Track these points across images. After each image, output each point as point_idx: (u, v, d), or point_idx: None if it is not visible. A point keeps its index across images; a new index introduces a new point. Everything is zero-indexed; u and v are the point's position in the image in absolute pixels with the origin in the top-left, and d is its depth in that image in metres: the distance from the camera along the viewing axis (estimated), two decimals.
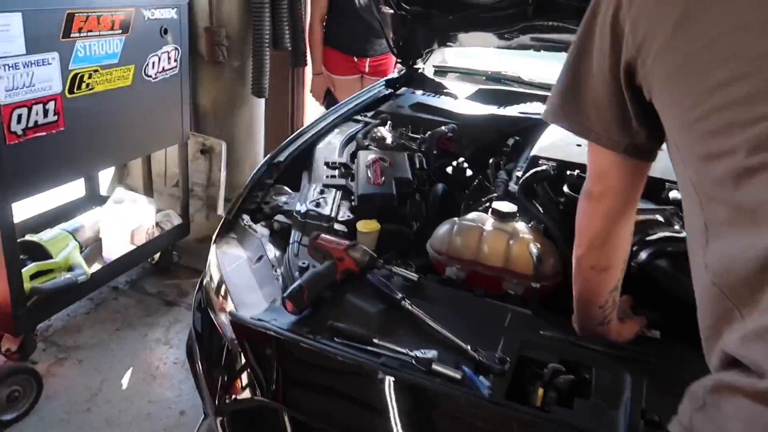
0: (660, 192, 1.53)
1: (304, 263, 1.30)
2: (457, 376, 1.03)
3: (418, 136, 1.95)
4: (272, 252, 1.44)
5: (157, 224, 2.69)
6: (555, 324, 1.22)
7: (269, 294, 1.33)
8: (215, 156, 2.82)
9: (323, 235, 1.32)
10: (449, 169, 1.85)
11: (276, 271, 1.37)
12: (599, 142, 0.91)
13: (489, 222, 1.42)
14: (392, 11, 2.14)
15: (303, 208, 1.49)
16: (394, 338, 1.12)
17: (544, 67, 2.55)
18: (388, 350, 1.08)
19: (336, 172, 1.70)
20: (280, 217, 1.52)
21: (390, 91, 2.42)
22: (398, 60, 2.48)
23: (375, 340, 1.10)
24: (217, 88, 2.92)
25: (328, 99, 3.28)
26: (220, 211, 2.88)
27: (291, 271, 1.32)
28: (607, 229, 1.00)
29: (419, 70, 2.54)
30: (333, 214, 1.49)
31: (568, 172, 1.57)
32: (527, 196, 1.52)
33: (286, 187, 1.67)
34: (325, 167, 1.73)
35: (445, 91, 2.38)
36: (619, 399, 1.03)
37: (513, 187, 1.65)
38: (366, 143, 1.91)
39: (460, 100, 2.29)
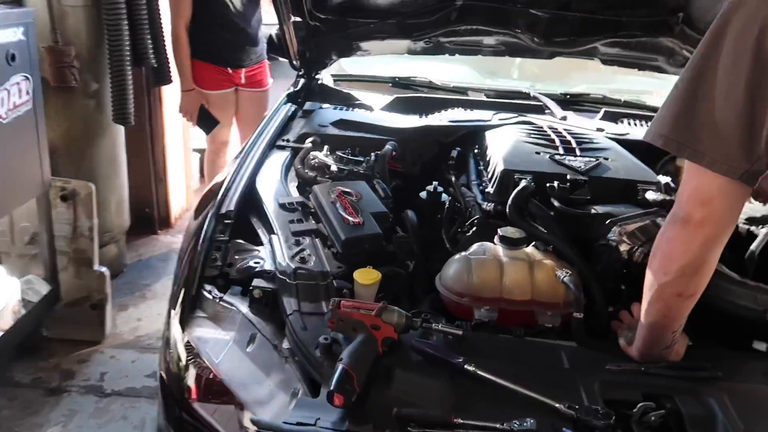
0: (634, 194, 1.56)
1: (326, 338, 1.08)
2: None
3: (361, 159, 1.78)
4: (264, 327, 1.18)
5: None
6: (608, 352, 1.18)
7: (283, 382, 1.09)
8: (81, 201, 2.33)
9: (344, 302, 1.11)
10: (423, 194, 1.71)
11: (281, 351, 1.13)
12: (712, 167, 0.86)
13: (500, 251, 1.32)
14: (301, 21, 1.92)
15: (289, 267, 1.25)
16: (474, 412, 0.97)
17: (446, 70, 2.52)
18: (476, 429, 0.94)
19: (296, 215, 1.47)
20: (259, 282, 1.25)
21: (295, 107, 2.19)
22: (300, 72, 2.26)
23: (458, 420, 0.95)
24: (69, 119, 2.42)
25: (202, 117, 2.90)
26: (96, 265, 2.40)
27: (305, 349, 1.09)
28: (704, 256, 0.96)
29: (319, 81, 2.34)
30: (327, 269, 1.27)
31: (548, 185, 1.54)
32: (521, 216, 1.46)
33: (245, 242, 1.40)
34: (281, 210, 1.49)
35: (357, 102, 2.23)
36: (714, 425, 1.00)
37: (488, 205, 1.57)
38: (309, 173, 1.69)
39: (380, 112, 2.16)
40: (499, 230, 1.36)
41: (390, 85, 2.41)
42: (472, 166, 1.87)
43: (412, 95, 2.23)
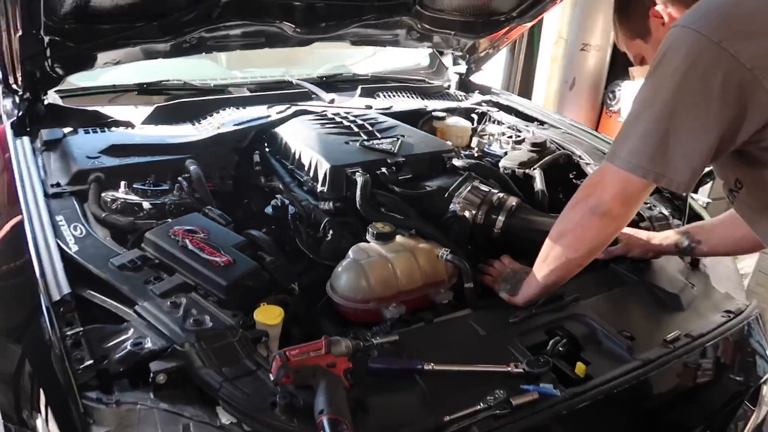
0: (443, 164, 1.77)
1: (284, 396, 1.00)
2: (534, 396, 1.08)
3: (166, 187, 1.57)
4: (191, 412, 1.03)
5: None
6: (498, 307, 1.37)
7: None
8: None
9: (290, 351, 1.04)
10: (269, 210, 1.59)
11: (226, 429, 1.01)
12: (670, 186, 1.10)
13: (380, 248, 1.38)
14: (32, 35, 1.55)
15: (188, 335, 1.09)
16: (452, 404, 1.05)
17: (185, 68, 2.33)
18: (465, 419, 1.02)
19: (146, 273, 1.26)
20: (159, 365, 1.05)
21: (26, 138, 1.77)
22: (23, 95, 1.80)
23: (447, 418, 1.02)
24: None
25: None
26: None
27: (263, 418, 1.00)
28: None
29: (45, 101, 1.92)
30: (230, 322, 1.14)
31: (378, 172, 1.63)
32: (375, 209, 1.52)
33: (104, 326, 1.14)
34: (124, 272, 1.25)
35: (111, 120, 1.91)
36: (596, 334, 1.29)
37: (327, 205, 1.59)
38: (120, 219, 1.44)
39: (148, 128, 1.90)
40: (369, 228, 1.40)
41: (136, 93, 2.12)
42: (279, 167, 1.83)
43: (174, 102, 2.01)
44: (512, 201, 1.59)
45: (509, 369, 1.13)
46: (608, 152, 1.17)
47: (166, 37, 1.78)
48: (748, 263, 3.07)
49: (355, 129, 1.86)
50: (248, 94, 2.19)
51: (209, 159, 1.75)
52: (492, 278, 1.45)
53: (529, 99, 3.95)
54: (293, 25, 2.00)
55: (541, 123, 2.45)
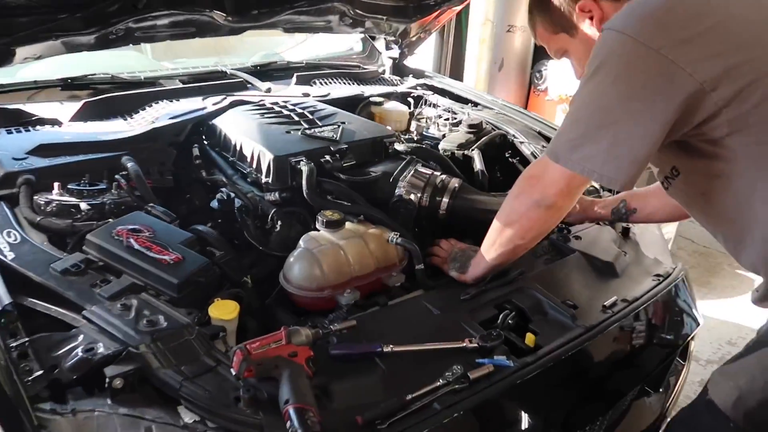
0: (385, 149, 1.79)
1: (247, 389, 1.01)
2: (490, 369, 1.13)
3: (103, 186, 1.52)
4: (153, 414, 1.01)
5: None
6: (449, 286, 1.41)
7: None
8: None
9: (250, 345, 1.04)
10: (215, 204, 1.55)
11: (190, 428, 1.00)
12: (605, 183, 1.14)
13: (330, 236, 1.39)
14: None
15: (142, 336, 1.07)
16: (412, 383, 1.09)
17: (110, 60, 2.23)
18: (426, 396, 1.06)
19: (92, 277, 1.21)
20: (114, 369, 1.03)
21: None
22: None
23: (409, 396, 1.05)
24: None
25: None
26: None
27: (227, 414, 1.00)
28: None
29: None
30: (185, 320, 1.13)
31: (322, 160, 1.63)
32: (323, 197, 1.53)
33: (51, 334, 1.10)
34: (68, 277, 1.20)
35: (35, 119, 1.81)
36: (542, 305, 1.36)
37: (273, 195, 1.59)
38: (57, 223, 1.38)
39: (78, 125, 1.81)
40: (318, 216, 1.41)
41: (60, 89, 2.01)
42: (220, 160, 1.80)
43: (104, 97, 1.93)
44: (455, 182, 1.63)
45: (464, 345, 1.17)
46: (550, 148, 1.20)
47: (91, 29, 1.69)
48: (669, 229, 3.29)
49: (295, 118, 1.85)
50: (181, 85, 2.13)
51: (146, 155, 1.70)
52: (441, 259, 1.49)
53: (461, 81, 4.04)
54: (224, 14, 1.95)
55: (475, 104, 2.52)
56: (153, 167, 1.69)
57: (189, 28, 1.99)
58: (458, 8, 2.45)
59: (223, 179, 1.65)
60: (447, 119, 2.28)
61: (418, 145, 1.80)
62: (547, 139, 2.19)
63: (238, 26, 2.06)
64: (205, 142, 1.89)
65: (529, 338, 1.24)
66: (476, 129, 2.08)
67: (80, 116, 1.87)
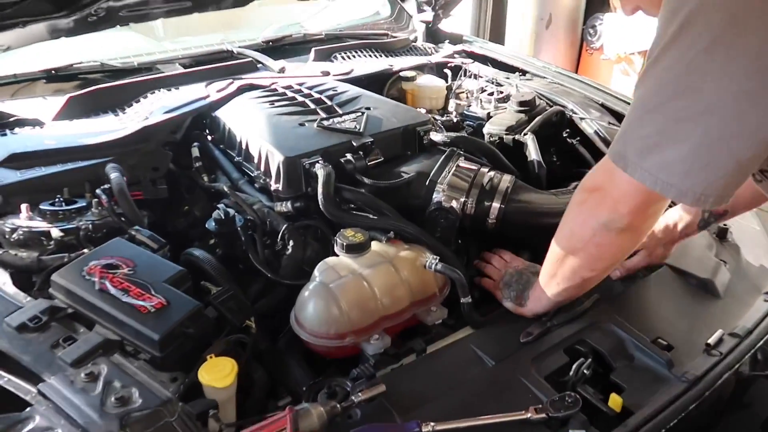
0: (418, 140, 1.49)
1: None
2: None
3: (83, 203, 1.28)
4: None
5: None
6: (502, 320, 1.13)
7: None
8: None
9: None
10: (212, 225, 1.30)
11: None
12: (683, 199, 0.82)
13: (351, 263, 1.11)
14: None
15: (108, 420, 0.83)
16: None
17: (101, 45, 1.97)
18: None
19: (54, 333, 0.98)
20: None
21: None
22: None
23: None
24: None
25: None
26: None
27: None
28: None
29: None
30: (165, 394, 0.88)
31: (342, 160, 1.34)
32: (341, 209, 1.25)
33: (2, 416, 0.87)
34: (25, 335, 0.97)
35: (13, 120, 1.58)
36: (624, 345, 1.06)
37: (284, 206, 1.32)
38: (23, 256, 1.15)
39: (60, 125, 1.57)
40: (336, 238, 1.13)
41: (44, 81, 1.77)
42: (224, 161, 1.53)
43: (90, 90, 1.68)
44: (506, 181, 1.33)
45: (528, 415, 0.90)
46: (614, 148, 0.88)
47: (63, 11, 1.44)
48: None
49: (311, 105, 1.56)
50: (181, 70, 1.85)
51: (136, 159, 1.45)
52: (492, 282, 1.21)
53: (502, 43, 3.65)
54: None
55: (523, 72, 2.18)
56: (144, 174, 1.44)
57: (184, 2, 1.71)
58: None
59: (226, 188, 1.37)
60: (491, 93, 1.95)
61: (460, 134, 1.48)
62: (613, 114, 1.84)
63: None
64: (208, 139, 1.63)
65: (615, 400, 0.95)
66: (528, 106, 1.75)
67: (65, 114, 1.62)
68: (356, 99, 1.63)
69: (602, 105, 1.90)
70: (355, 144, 1.39)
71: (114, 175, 1.31)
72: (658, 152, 0.81)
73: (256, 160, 1.42)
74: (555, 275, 1.04)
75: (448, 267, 1.10)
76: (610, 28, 3.80)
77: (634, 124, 0.85)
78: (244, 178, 1.47)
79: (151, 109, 1.63)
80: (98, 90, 1.69)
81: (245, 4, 1.81)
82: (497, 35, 3.91)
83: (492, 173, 1.35)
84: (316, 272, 1.11)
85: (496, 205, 1.28)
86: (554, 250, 1.03)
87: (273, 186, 1.35)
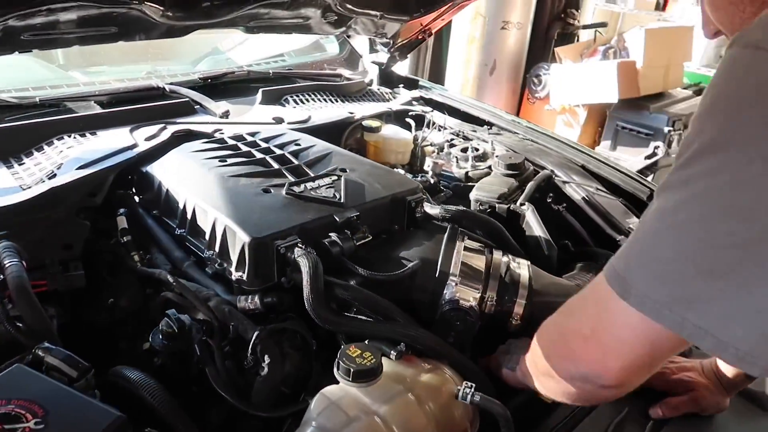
0: (409, 212, 1.24)
1: None
2: None
3: None
4: None
5: None
6: None
7: None
8: None
9: None
10: (158, 341, 0.94)
11: None
12: (723, 355, 0.59)
13: (361, 397, 0.83)
14: None
15: None
16: None
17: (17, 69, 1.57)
18: None
19: None
20: None
21: None
22: None
23: None
24: None
25: None
26: None
27: None
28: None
29: None
30: None
31: (326, 241, 1.06)
32: (336, 313, 0.96)
33: None
34: None
35: None
36: None
37: (251, 302, 1.01)
38: None
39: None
40: (339, 361, 0.84)
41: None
42: (161, 235, 1.20)
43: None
44: (525, 268, 1.11)
45: None
46: (613, 270, 0.65)
47: None
48: None
49: (274, 164, 1.28)
50: (99, 110, 1.50)
51: (41, 233, 1.09)
52: (493, 361, 1.01)
53: (442, 86, 3.52)
54: (161, 7, 1.35)
55: (490, 126, 2.01)
56: (52, 255, 1.08)
57: (108, 28, 1.38)
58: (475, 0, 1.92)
59: (170, 278, 1.04)
60: (465, 149, 1.75)
61: (460, 207, 1.25)
62: (598, 178, 1.70)
63: (182, 24, 1.47)
64: (138, 203, 1.29)
65: None
66: (518, 170, 1.56)
67: None
68: (327, 157, 1.36)
69: (583, 167, 1.76)
70: (338, 219, 1.12)
71: (10, 264, 0.95)
72: (669, 280, 0.60)
73: (207, 237, 1.11)
74: (534, 384, 0.86)
75: (488, 399, 0.85)
76: (556, 78, 3.82)
77: (642, 246, 0.64)
78: (189, 258, 1.15)
79: (59, 162, 1.27)
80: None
81: (183, 35, 1.49)
82: (437, 80, 3.79)
83: (507, 259, 1.13)
84: (313, 410, 0.82)
85: (521, 301, 1.06)
86: (534, 351, 0.82)
87: (234, 274, 1.04)
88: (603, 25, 4.49)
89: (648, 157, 3.22)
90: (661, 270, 0.60)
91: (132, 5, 1.32)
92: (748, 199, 0.55)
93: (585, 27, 4.48)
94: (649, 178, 2.80)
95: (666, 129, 3.51)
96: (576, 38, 4.51)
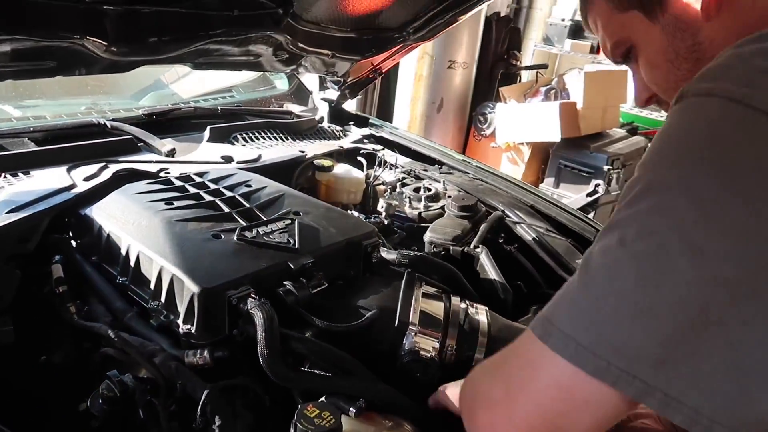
0: (364, 257, 1.22)
1: None
2: None
3: None
4: None
5: None
6: None
7: None
8: None
9: None
10: (97, 406, 0.86)
11: None
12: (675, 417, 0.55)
13: None
14: None
15: None
16: None
17: None
18: None
19: None
20: None
21: None
22: None
23: None
24: None
25: None
26: None
27: None
28: None
29: None
30: None
31: (280, 290, 1.02)
32: (290, 368, 0.92)
33: None
34: None
35: None
36: None
37: (199, 357, 0.95)
38: None
39: None
40: (297, 423, 0.80)
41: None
42: (100, 283, 1.13)
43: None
44: (482, 313, 1.10)
45: None
46: (542, 321, 0.61)
47: None
48: None
49: (224, 207, 1.23)
50: (33, 148, 1.41)
51: None
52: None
53: (390, 123, 3.56)
54: (104, 42, 1.30)
55: (440, 165, 2.03)
56: None
57: (46, 62, 1.31)
58: (427, 43, 1.96)
59: (111, 333, 0.97)
60: (417, 189, 1.76)
61: (416, 252, 1.24)
62: (546, 218, 1.73)
63: (126, 60, 1.41)
64: (74, 246, 1.21)
65: None
66: (471, 212, 1.57)
67: None
68: (279, 199, 1.33)
69: (532, 207, 1.80)
70: (292, 266, 1.08)
71: None
72: (616, 332, 0.56)
73: (152, 286, 1.05)
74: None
75: None
76: (501, 117, 3.92)
77: (578, 297, 0.59)
78: (132, 309, 1.08)
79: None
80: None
81: (127, 70, 1.44)
82: (385, 117, 3.83)
83: (464, 305, 1.12)
84: None
85: (481, 349, 1.04)
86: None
87: (182, 327, 0.99)
88: (544, 66, 4.68)
89: (589, 194, 3.34)
90: (622, 337, 0.56)
91: (72, 39, 1.27)
92: (689, 241, 0.54)
93: (527, 68, 4.66)
94: (591, 215, 2.90)
95: (605, 167, 3.67)
96: (518, 78, 4.68)
